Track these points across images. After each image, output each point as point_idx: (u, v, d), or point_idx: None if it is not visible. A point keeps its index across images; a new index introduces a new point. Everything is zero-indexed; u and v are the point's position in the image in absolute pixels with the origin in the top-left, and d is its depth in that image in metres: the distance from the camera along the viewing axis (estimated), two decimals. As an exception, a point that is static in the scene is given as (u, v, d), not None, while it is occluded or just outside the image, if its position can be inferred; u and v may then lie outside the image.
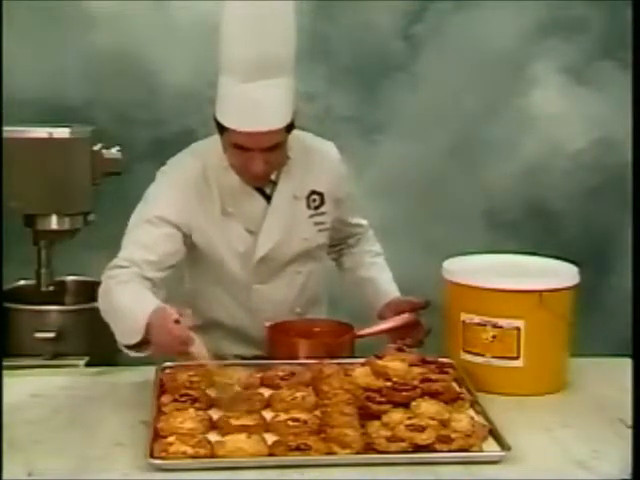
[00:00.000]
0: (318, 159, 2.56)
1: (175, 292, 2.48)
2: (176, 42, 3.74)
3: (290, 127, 2.38)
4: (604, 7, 3.88)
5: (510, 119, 3.95)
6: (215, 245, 2.47)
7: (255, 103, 2.27)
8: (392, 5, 3.84)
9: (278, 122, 2.32)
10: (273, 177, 2.48)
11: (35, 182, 3.00)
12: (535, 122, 3.97)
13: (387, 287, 2.66)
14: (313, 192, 2.53)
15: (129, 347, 2.20)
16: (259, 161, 2.34)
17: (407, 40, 3.87)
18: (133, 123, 3.72)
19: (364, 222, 2.76)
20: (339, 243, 2.75)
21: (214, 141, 2.46)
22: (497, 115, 3.94)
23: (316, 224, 2.55)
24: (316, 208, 2.54)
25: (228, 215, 2.46)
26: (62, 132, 3.03)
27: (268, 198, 2.49)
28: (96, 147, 3.08)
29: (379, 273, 2.71)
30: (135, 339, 2.15)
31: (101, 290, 2.34)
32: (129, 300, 2.23)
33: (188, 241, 2.45)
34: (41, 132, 3.01)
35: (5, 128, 2.99)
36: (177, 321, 2.05)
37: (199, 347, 2.08)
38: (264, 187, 2.48)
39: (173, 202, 2.42)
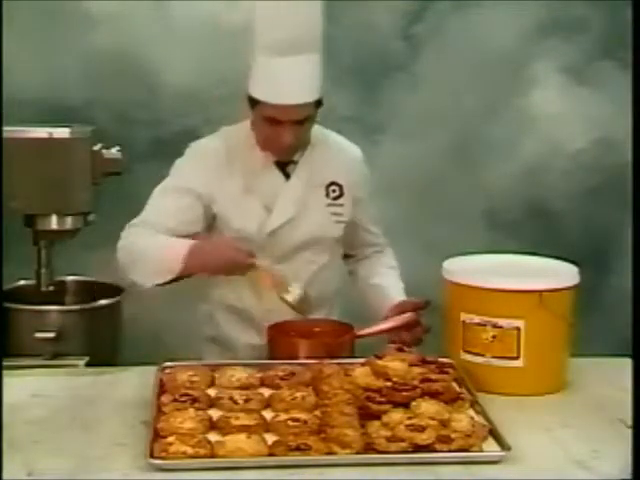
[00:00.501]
0: (341, 154, 2.66)
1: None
2: (176, 42, 3.74)
3: (319, 103, 2.47)
4: (604, 7, 3.89)
5: (510, 119, 3.95)
6: (233, 222, 2.54)
7: (287, 77, 2.39)
8: (392, 5, 3.84)
9: (309, 96, 2.43)
10: (297, 158, 2.57)
11: (35, 182, 3.00)
12: (535, 122, 3.97)
13: (394, 293, 2.65)
14: (333, 183, 2.61)
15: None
16: (289, 133, 2.44)
17: (407, 40, 3.87)
18: (133, 123, 3.72)
19: (382, 238, 2.80)
20: (356, 253, 2.77)
21: (241, 125, 2.58)
22: (497, 115, 3.94)
23: (333, 214, 2.61)
24: (335, 199, 2.61)
25: (249, 192, 2.54)
26: (62, 132, 3.03)
27: (288, 177, 2.57)
28: (96, 147, 3.08)
29: (389, 281, 2.71)
30: (171, 273, 2.38)
31: (121, 244, 2.48)
32: (162, 240, 2.44)
33: (209, 213, 2.54)
34: (41, 132, 3.01)
35: (5, 128, 2.99)
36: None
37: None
38: (286, 166, 2.56)
39: (196, 173, 2.53)
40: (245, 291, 2.58)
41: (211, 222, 2.56)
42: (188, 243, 2.41)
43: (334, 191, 2.61)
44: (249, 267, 2.39)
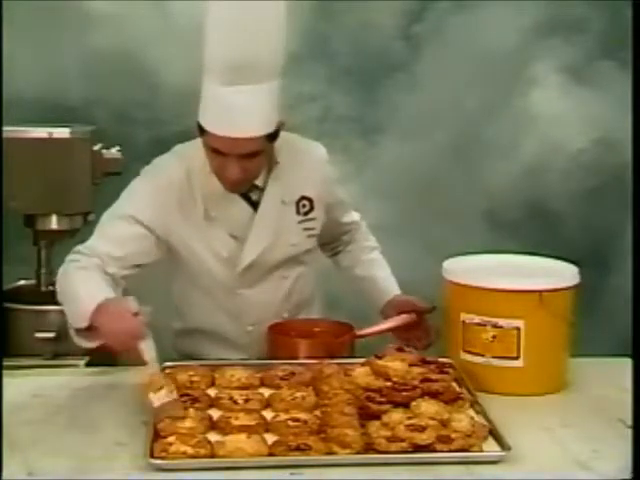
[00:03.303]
0: (307, 162, 2.52)
1: (161, 296, 2.48)
2: (176, 42, 3.73)
3: (273, 136, 2.32)
4: (604, 7, 3.88)
5: (510, 119, 3.95)
6: (196, 250, 2.44)
7: (233, 108, 2.21)
8: (392, 5, 3.84)
9: (254, 130, 2.26)
10: (260, 183, 2.44)
11: (35, 182, 3.00)
12: (535, 122, 3.97)
13: (386, 284, 2.66)
14: (303, 197, 2.50)
15: (78, 333, 2.22)
16: (234, 167, 2.29)
17: (407, 40, 3.87)
18: (133, 123, 3.72)
19: (356, 218, 2.73)
20: (333, 241, 2.73)
21: (196, 144, 2.39)
22: (497, 115, 3.94)
23: (305, 229, 2.52)
24: (305, 214, 2.51)
25: (211, 220, 2.42)
26: (62, 132, 3.02)
27: (254, 204, 2.45)
28: (96, 147, 3.08)
29: (377, 270, 2.70)
30: (81, 324, 2.17)
31: (59, 273, 2.35)
32: (83, 284, 2.24)
33: (163, 245, 2.42)
34: (41, 132, 3.01)
35: (5, 128, 2.98)
36: (136, 314, 2.06)
37: (149, 346, 2.05)
38: (249, 193, 2.44)
39: (150, 204, 2.39)
40: (218, 315, 2.52)
41: (166, 252, 2.44)
42: (98, 300, 2.14)
43: (304, 206, 2.50)
44: (136, 345, 2.07)
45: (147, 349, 2.05)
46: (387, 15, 3.85)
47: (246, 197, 2.45)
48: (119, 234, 2.37)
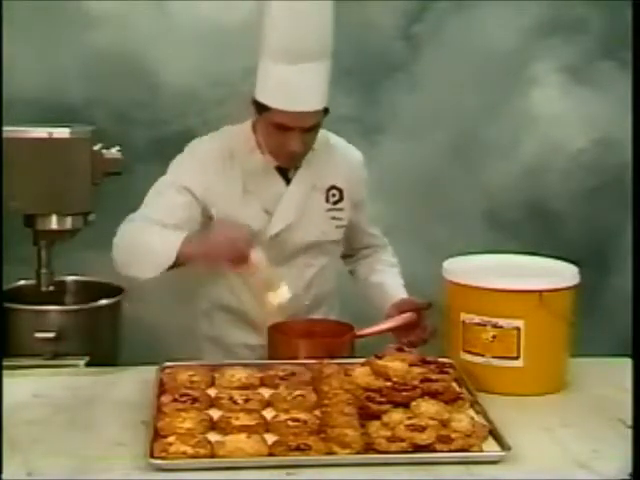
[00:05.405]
0: (341, 157, 2.66)
1: (184, 275, 2.51)
2: (176, 42, 3.74)
3: (326, 110, 2.47)
4: (604, 7, 3.88)
5: (510, 119, 3.95)
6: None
7: (300, 84, 2.39)
8: (392, 5, 3.84)
9: (320, 103, 2.44)
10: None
11: (35, 182, 2.99)
12: (535, 122, 3.97)
13: (395, 292, 2.67)
14: (333, 187, 2.62)
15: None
16: (298, 140, 2.45)
17: (407, 40, 3.87)
18: (133, 123, 3.72)
19: (381, 236, 2.82)
20: (356, 252, 2.79)
21: (243, 127, 2.59)
22: (497, 115, 3.94)
23: (333, 219, 2.62)
24: (334, 203, 2.62)
25: (248, 194, 2.54)
26: (62, 132, 3.02)
27: (289, 181, 2.57)
28: (96, 147, 3.07)
29: (389, 279, 2.73)
30: (168, 262, 2.34)
31: (121, 232, 2.48)
32: (156, 231, 2.41)
33: (206, 214, 2.53)
34: (41, 132, 3.01)
35: (5, 128, 2.98)
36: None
37: (258, 251, 2.23)
38: (287, 171, 2.56)
39: (195, 174, 2.52)
40: (243, 292, 2.58)
41: (208, 223, 2.54)
42: (183, 234, 2.38)
43: (334, 195, 2.62)
44: (245, 254, 2.30)
45: (256, 254, 2.23)
46: (387, 15, 3.85)
47: (283, 174, 2.56)
48: (168, 202, 2.50)
